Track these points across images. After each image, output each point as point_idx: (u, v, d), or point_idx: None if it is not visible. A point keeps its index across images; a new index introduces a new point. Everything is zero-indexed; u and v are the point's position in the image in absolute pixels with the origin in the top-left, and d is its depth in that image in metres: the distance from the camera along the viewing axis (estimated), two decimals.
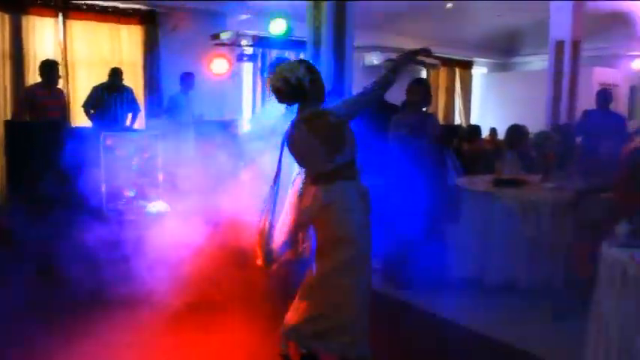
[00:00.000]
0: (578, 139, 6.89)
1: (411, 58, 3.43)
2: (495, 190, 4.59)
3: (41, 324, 3.81)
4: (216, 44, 7.98)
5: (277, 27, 7.60)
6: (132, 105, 7.57)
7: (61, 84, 8.10)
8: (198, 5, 8.90)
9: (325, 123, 3.01)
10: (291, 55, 8.57)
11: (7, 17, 7.77)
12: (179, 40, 8.85)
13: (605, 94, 6.81)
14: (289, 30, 7.65)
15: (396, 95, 4.83)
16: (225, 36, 7.80)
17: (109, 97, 7.27)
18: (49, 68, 6.86)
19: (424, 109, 4.82)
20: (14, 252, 4.86)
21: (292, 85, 3.03)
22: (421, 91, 4.72)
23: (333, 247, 3.04)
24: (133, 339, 3.65)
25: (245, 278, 4.12)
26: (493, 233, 4.51)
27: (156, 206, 6.25)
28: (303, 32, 7.14)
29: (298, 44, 8.55)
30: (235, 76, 9.31)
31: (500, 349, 3.66)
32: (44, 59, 7.09)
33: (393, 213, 4.79)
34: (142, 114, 8.88)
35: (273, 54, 9.10)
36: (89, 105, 7.25)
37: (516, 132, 6.10)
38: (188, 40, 8.76)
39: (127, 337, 3.65)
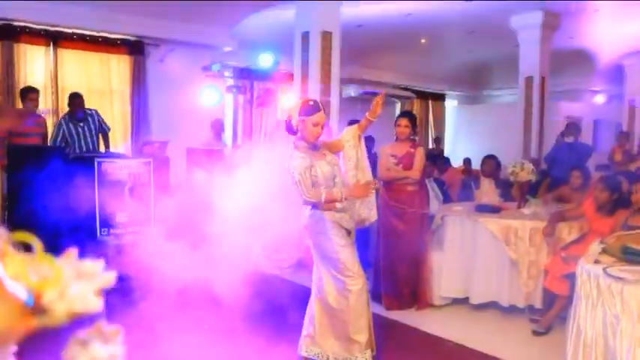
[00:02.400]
0: (544, 165, 7.40)
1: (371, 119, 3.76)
2: (478, 216, 4.93)
3: None
4: (207, 76, 8.24)
5: (265, 61, 7.96)
6: (101, 127, 7.35)
7: (49, 111, 8.32)
8: (184, 37, 9.22)
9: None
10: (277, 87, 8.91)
11: None
12: (166, 70, 9.15)
13: (575, 126, 7.32)
14: (276, 63, 8.01)
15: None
16: (216, 68, 8.09)
17: (76, 128, 7.06)
18: (25, 94, 6.79)
19: (412, 140, 5.14)
20: None
21: (286, 122, 3.57)
22: (408, 123, 5.04)
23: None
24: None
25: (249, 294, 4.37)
26: (477, 256, 4.85)
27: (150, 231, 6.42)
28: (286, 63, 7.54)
29: (283, 75, 8.93)
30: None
31: None
32: (24, 86, 7.12)
33: (380, 239, 5.14)
34: (128, 140, 9.14)
35: (262, 86, 9.44)
36: (57, 141, 6.97)
37: (491, 162, 6.53)
38: (175, 71, 9.06)
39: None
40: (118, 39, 9.01)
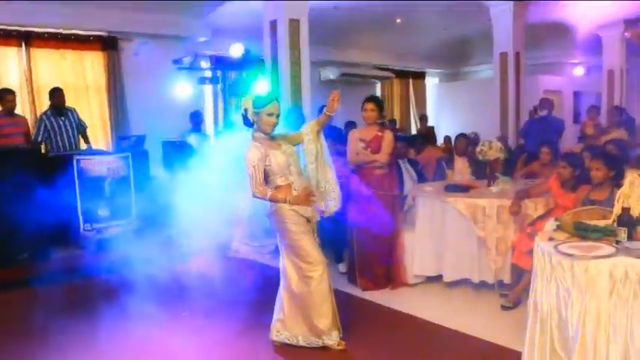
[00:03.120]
0: (522, 141, 7.45)
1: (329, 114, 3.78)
2: (447, 195, 5.01)
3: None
4: (179, 68, 8.26)
5: (235, 50, 8.00)
6: (80, 125, 7.53)
7: (27, 111, 8.31)
8: (157, 30, 9.19)
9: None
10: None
11: None
12: (141, 63, 9.14)
13: (548, 101, 7.40)
14: (247, 52, 8.05)
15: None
16: (187, 60, 8.12)
17: (57, 122, 7.22)
18: (1, 96, 6.86)
19: (380, 124, 5.21)
20: None
21: (242, 114, 3.66)
22: (374, 107, 5.08)
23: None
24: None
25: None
26: (447, 234, 4.94)
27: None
28: (259, 50, 7.59)
29: (255, 62, 8.94)
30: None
31: (457, 338, 4.06)
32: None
33: (354, 222, 5.23)
34: (108, 135, 9.17)
35: (233, 75, 9.46)
36: (40, 136, 7.15)
37: (464, 140, 6.60)
38: (149, 64, 9.06)
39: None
40: (90, 35, 8.98)
